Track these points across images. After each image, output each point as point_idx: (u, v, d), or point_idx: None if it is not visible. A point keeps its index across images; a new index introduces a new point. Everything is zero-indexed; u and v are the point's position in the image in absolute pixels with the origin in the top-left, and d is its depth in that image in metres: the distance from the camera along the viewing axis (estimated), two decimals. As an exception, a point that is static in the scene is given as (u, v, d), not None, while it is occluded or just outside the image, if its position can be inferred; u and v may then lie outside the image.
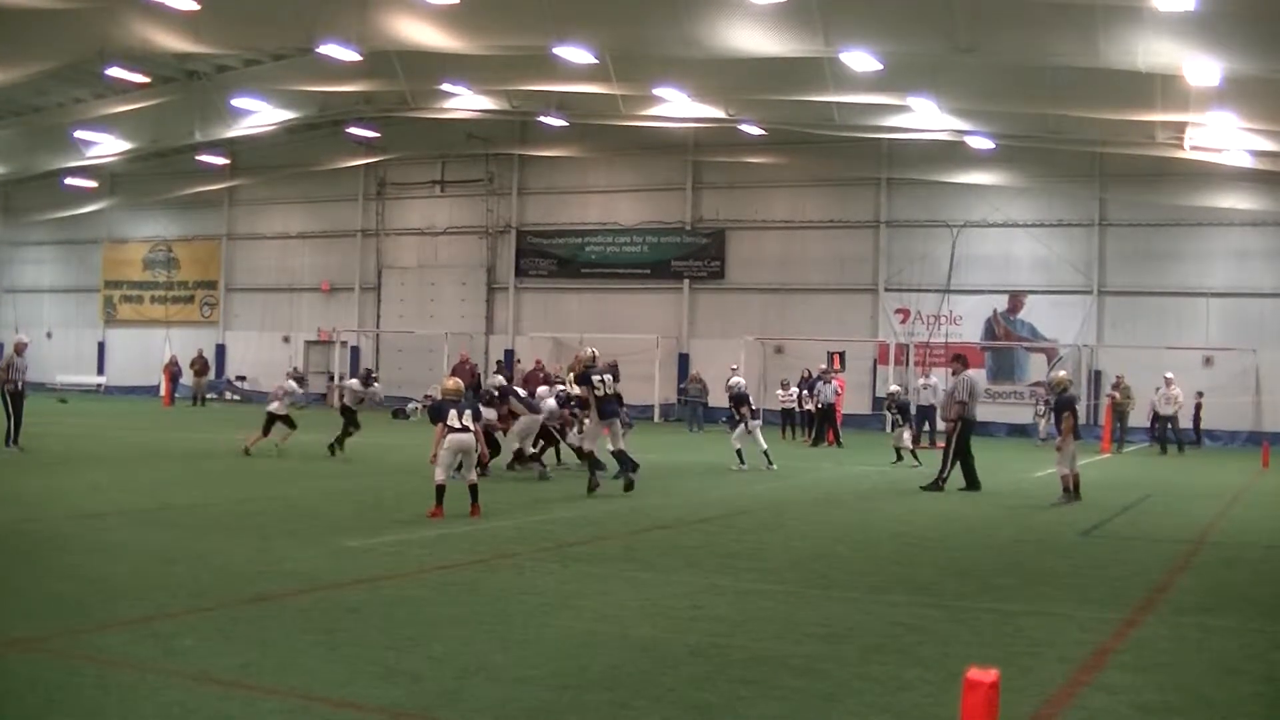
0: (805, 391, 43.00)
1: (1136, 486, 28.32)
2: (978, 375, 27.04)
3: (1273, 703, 9.56)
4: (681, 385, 51.76)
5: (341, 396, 32.82)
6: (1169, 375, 41.65)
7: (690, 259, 56.93)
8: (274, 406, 29.67)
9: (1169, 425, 41.20)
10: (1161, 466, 35.44)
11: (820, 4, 31.34)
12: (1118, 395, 42.43)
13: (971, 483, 25.56)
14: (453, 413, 19.29)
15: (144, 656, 9.71)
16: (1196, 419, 43.99)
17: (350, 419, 30.14)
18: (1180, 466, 34.98)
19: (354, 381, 33.27)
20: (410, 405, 35.04)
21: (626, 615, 11.85)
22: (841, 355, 50.27)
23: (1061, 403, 23.51)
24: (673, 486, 24.08)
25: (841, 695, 9.17)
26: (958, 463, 25.66)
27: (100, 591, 12.27)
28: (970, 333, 51.50)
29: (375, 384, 35.29)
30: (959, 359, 27.79)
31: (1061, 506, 22.52)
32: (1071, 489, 23.14)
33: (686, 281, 56.97)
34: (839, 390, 41.48)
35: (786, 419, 45.14)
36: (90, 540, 15.78)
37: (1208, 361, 46.59)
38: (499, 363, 54.16)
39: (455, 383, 20.80)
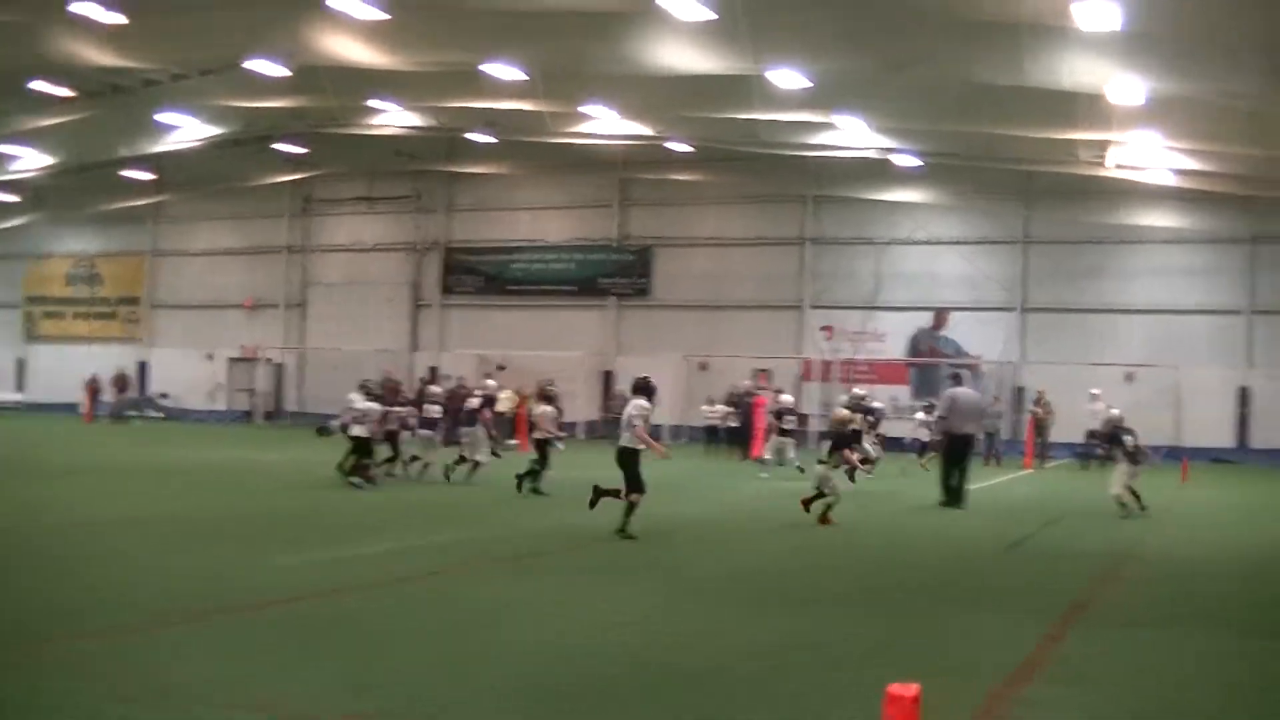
0: (733, 408, 43.15)
1: (1059, 501, 28.65)
2: (965, 393, 27.17)
3: (1192, 713, 9.74)
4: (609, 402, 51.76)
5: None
6: (1095, 391, 42.08)
7: (617, 276, 57.11)
8: (357, 430, 26.90)
9: (1095, 440, 41.60)
10: (1084, 481, 35.77)
11: (749, 22, 31.45)
12: (1039, 411, 42.90)
13: (951, 499, 25.66)
14: None
15: (102, 674, 9.71)
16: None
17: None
18: (1103, 481, 35.30)
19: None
20: (333, 423, 34.72)
21: (582, 628, 11.99)
22: (767, 372, 50.46)
23: (840, 439, 23.19)
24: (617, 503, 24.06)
25: (758, 706, 9.33)
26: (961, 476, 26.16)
27: (54, 608, 12.24)
28: (895, 349, 51.88)
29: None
30: (954, 377, 28.36)
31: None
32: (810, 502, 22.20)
33: (613, 299, 57.09)
34: (762, 406, 41.71)
35: (711, 435, 45.21)
36: (42, 556, 15.69)
37: (1129, 378, 47.01)
38: (426, 377, 54.17)
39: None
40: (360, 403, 27.04)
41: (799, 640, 11.77)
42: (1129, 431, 25.57)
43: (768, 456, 34.14)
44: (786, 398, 36.87)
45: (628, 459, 19.30)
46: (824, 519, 21.54)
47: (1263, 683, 10.87)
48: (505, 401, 42.20)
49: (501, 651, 10.74)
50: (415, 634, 11.40)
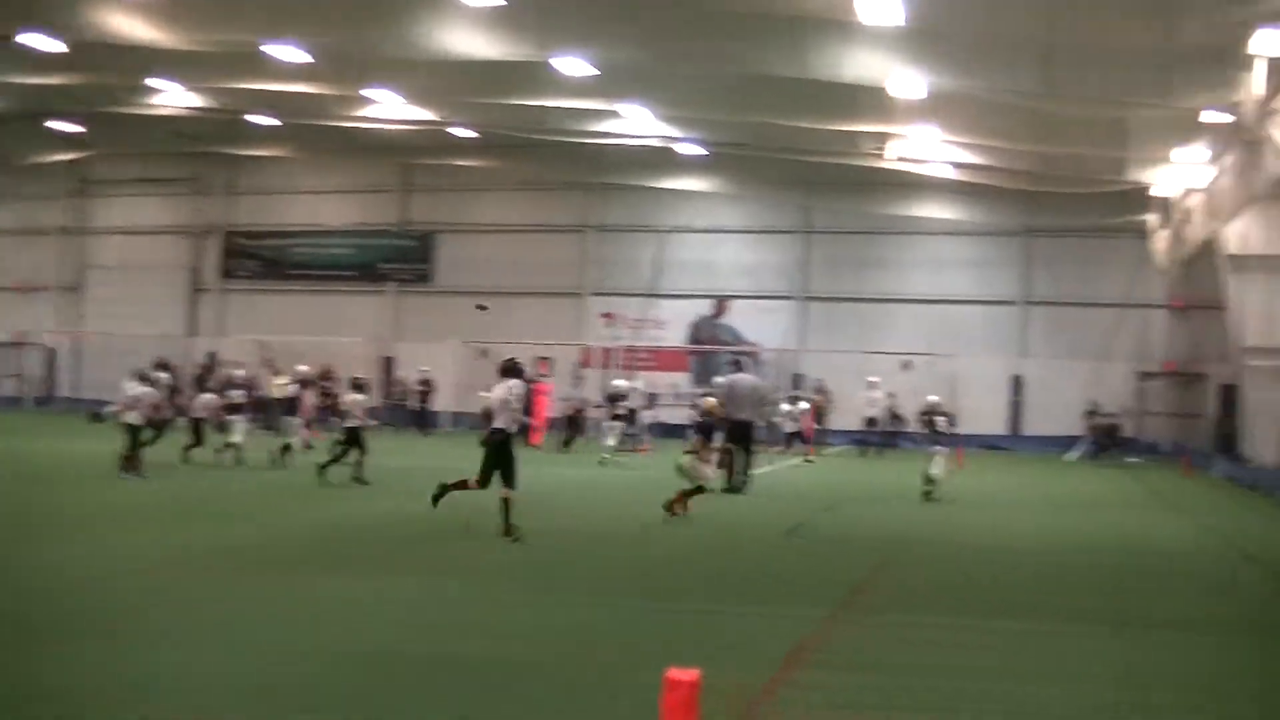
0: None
1: (837, 487, 29.15)
2: (743, 379, 27.78)
3: (962, 694, 9.95)
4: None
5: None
6: (873, 379, 42.92)
7: (398, 262, 56.87)
8: (131, 417, 25.88)
9: (873, 427, 42.55)
10: (862, 468, 36.45)
11: (535, 8, 31.45)
12: (819, 399, 43.63)
13: (731, 485, 25.97)
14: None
15: None
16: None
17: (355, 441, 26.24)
18: (879, 468, 35.96)
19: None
20: (107, 409, 34.10)
21: (348, 621, 11.95)
22: (548, 360, 50.50)
23: (704, 426, 23.22)
24: (412, 491, 23.82)
25: (536, 697, 9.47)
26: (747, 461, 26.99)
27: None
28: (675, 337, 52.29)
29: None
30: (734, 364, 29.02)
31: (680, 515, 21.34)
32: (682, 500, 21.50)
33: (394, 284, 56.77)
34: (543, 393, 41.84)
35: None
36: None
37: (906, 366, 47.90)
38: (206, 362, 53.29)
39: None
40: (133, 389, 26.41)
41: (579, 630, 11.84)
42: (944, 415, 27.01)
43: (607, 440, 34.92)
44: (620, 383, 37.59)
45: (504, 445, 18.96)
46: (677, 503, 21.15)
47: (1030, 665, 11.15)
48: (280, 389, 41.55)
49: (256, 650, 10.60)
50: (188, 632, 11.18)
